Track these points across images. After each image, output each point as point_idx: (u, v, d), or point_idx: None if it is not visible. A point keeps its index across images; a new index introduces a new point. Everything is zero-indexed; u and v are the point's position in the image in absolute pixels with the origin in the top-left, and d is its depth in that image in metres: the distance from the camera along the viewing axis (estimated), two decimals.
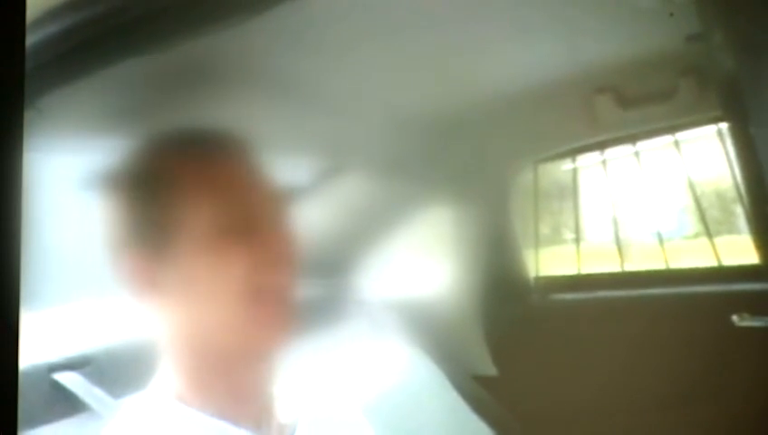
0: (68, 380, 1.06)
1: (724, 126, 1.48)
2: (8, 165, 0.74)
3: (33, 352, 1.04)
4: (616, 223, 1.71)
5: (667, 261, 1.65)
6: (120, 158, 0.92)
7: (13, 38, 0.74)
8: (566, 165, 1.69)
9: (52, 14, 0.84)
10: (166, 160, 0.92)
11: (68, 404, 1.04)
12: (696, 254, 1.66)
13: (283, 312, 0.92)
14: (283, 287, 0.92)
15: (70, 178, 0.91)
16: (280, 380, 0.94)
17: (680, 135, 1.60)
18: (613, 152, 1.65)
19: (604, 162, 1.67)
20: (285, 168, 1.38)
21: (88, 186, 0.92)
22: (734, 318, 1.39)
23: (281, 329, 0.92)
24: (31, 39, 0.78)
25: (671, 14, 1.17)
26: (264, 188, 0.95)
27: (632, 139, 1.62)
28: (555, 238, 1.75)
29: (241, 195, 0.91)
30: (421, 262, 1.59)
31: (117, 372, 1.05)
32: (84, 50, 0.89)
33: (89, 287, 0.96)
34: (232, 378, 0.89)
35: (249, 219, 0.90)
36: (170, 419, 0.86)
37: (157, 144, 0.94)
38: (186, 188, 0.90)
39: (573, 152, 1.66)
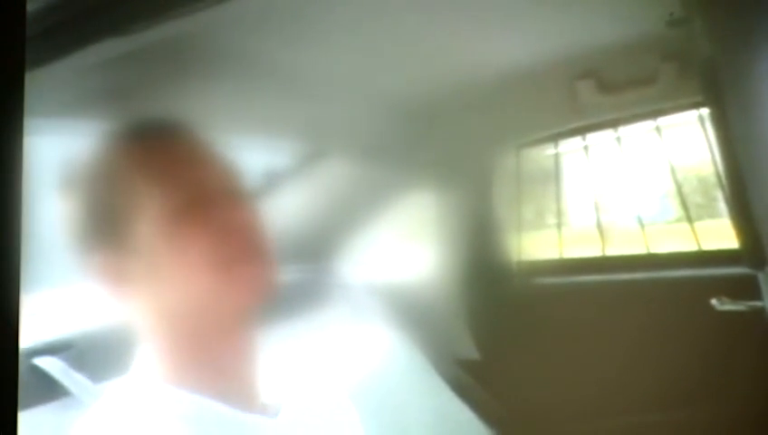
0: (48, 364, 1.06)
1: (704, 111, 1.48)
2: (8, 165, 0.74)
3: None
4: (598, 208, 1.72)
5: (648, 245, 1.66)
6: (78, 148, 0.91)
7: (13, 37, 0.74)
8: (549, 150, 1.69)
9: None
10: (114, 149, 0.92)
11: (48, 389, 1.03)
12: (677, 238, 1.67)
13: (257, 278, 0.91)
14: (253, 252, 0.91)
15: (49, 161, 0.90)
16: (263, 359, 0.94)
17: (662, 120, 1.60)
18: (595, 137, 1.66)
19: (586, 147, 1.67)
20: (267, 151, 1.38)
21: (58, 175, 0.92)
22: (714, 302, 1.41)
23: (257, 295, 0.92)
24: None
25: (671, 14, 1.18)
26: (215, 163, 0.94)
27: (614, 124, 1.62)
28: (538, 223, 1.76)
29: (190, 172, 0.91)
30: (404, 246, 1.60)
31: (97, 356, 1.05)
32: (57, 31, 0.88)
33: (68, 272, 0.95)
34: (213, 352, 0.90)
35: (204, 192, 0.89)
36: (156, 399, 0.87)
37: (104, 134, 0.93)
38: (134, 174, 0.90)
39: (556, 137, 1.67)
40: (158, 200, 0.88)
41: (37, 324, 1.08)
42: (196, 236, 0.88)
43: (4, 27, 0.74)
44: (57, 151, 0.91)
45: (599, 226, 1.71)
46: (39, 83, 0.86)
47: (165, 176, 0.90)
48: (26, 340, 1.06)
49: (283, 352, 1.11)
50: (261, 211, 0.95)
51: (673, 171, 1.65)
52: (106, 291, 0.90)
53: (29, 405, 1.01)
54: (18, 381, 0.74)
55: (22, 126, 0.73)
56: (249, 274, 0.90)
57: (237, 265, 0.89)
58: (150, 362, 0.90)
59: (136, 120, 0.95)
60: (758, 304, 1.17)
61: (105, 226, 0.89)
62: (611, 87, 1.48)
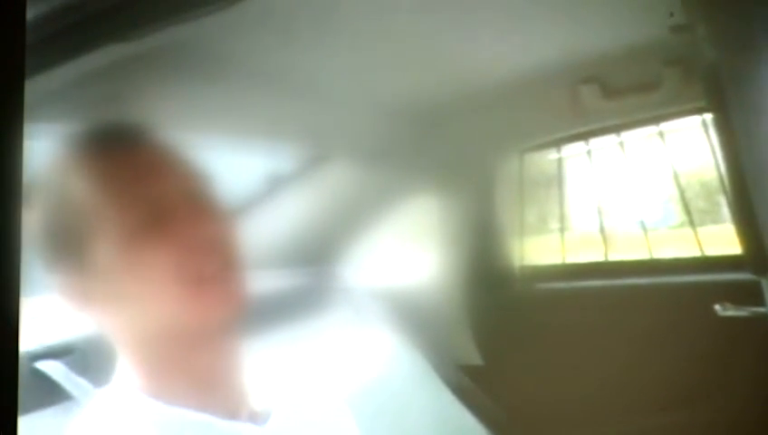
0: (50, 368, 1.06)
1: (708, 116, 1.48)
2: (8, 164, 0.74)
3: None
4: (601, 212, 1.72)
5: (651, 250, 1.66)
6: (42, 160, 0.88)
7: (13, 37, 0.74)
8: (552, 154, 1.69)
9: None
10: (70, 159, 0.89)
11: (50, 393, 1.03)
12: (680, 243, 1.66)
13: (226, 291, 0.88)
14: (222, 267, 0.88)
15: (48, 164, 0.89)
16: (250, 367, 0.93)
17: (665, 125, 1.60)
18: (598, 142, 1.65)
19: (589, 152, 1.67)
20: (271, 156, 1.38)
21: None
22: (717, 308, 1.40)
23: (227, 308, 0.88)
24: None
25: (671, 15, 1.18)
26: (174, 173, 0.89)
27: (617, 129, 1.62)
28: (541, 227, 1.76)
29: (147, 184, 0.86)
30: (407, 250, 1.59)
31: (99, 360, 1.05)
32: (60, 37, 0.88)
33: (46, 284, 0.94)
34: (190, 366, 0.87)
35: (163, 207, 0.85)
36: (135, 412, 0.85)
37: (66, 145, 0.90)
38: (92, 187, 0.86)
39: (559, 142, 1.66)
40: (117, 216, 0.84)
41: (39, 328, 1.08)
42: (160, 252, 0.84)
43: (4, 30, 0.74)
44: (56, 154, 0.89)
45: (602, 230, 1.70)
46: (37, 85, 0.86)
47: (124, 189, 0.86)
48: (28, 343, 1.06)
49: (280, 356, 1.11)
50: (229, 220, 0.91)
51: (676, 176, 1.65)
52: (72, 308, 0.88)
53: (31, 409, 1.01)
54: (18, 384, 0.74)
55: (22, 128, 0.73)
56: (218, 288, 0.87)
57: (205, 281, 0.86)
58: (129, 372, 0.88)
59: (94, 126, 0.91)
60: (761, 309, 1.16)
61: (64, 244, 0.86)
62: (615, 92, 1.48)
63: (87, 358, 1.07)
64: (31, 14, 0.75)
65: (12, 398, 0.74)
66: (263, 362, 0.95)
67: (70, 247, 0.85)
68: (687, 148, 1.64)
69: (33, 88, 0.84)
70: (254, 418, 0.90)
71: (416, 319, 1.53)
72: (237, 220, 0.94)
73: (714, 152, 1.55)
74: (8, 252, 0.74)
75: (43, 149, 0.87)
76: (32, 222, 0.84)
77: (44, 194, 0.86)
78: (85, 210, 0.85)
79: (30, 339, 1.07)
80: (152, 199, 0.85)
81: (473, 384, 1.57)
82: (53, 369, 1.05)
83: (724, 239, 1.61)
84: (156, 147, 0.90)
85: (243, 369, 0.91)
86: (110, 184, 0.86)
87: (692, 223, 1.65)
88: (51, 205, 0.87)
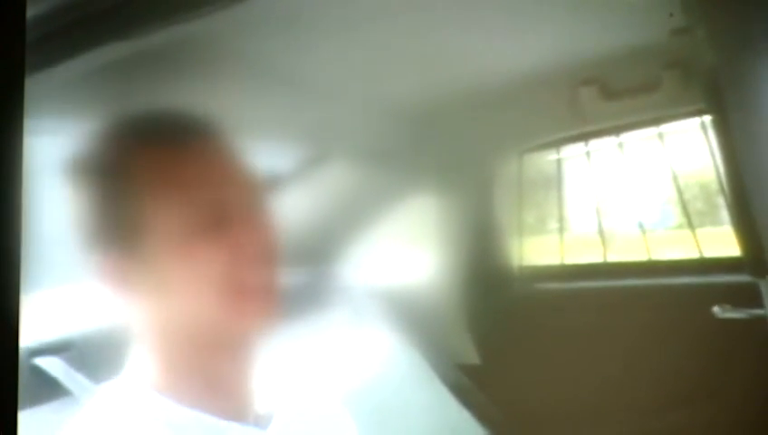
0: (49, 364, 1.06)
1: (707, 119, 1.48)
2: (8, 164, 0.74)
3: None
4: (600, 213, 1.72)
5: (649, 252, 1.66)
6: (88, 146, 0.89)
7: (13, 37, 0.74)
8: (551, 155, 1.69)
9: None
10: (132, 151, 0.89)
11: (49, 389, 1.03)
12: (679, 245, 1.67)
13: (264, 305, 0.90)
14: (265, 280, 0.90)
15: (50, 162, 0.90)
16: (258, 370, 0.93)
17: (664, 127, 1.60)
18: (598, 143, 1.66)
19: (588, 153, 1.67)
20: (269, 155, 1.38)
21: (61, 173, 0.90)
22: (716, 309, 1.40)
23: (262, 321, 0.91)
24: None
25: (671, 15, 1.18)
26: (238, 178, 0.91)
27: (617, 130, 1.62)
28: (539, 228, 1.76)
29: (214, 187, 0.88)
30: (405, 251, 1.60)
31: (98, 357, 1.05)
32: (66, 33, 0.88)
33: (70, 271, 0.95)
34: (210, 370, 0.88)
35: (224, 213, 0.87)
36: (144, 408, 0.85)
37: (123, 133, 0.90)
38: (154, 183, 0.87)
39: (558, 143, 1.67)
40: (176, 214, 0.85)
41: (38, 324, 1.08)
42: (212, 258, 0.85)
43: (4, 29, 0.74)
44: (62, 150, 0.90)
45: (600, 232, 1.71)
46: (44, 82, 0.86)
47: (188, 189, 0.87)
48: (27, 339, 1.06)
49: (280, 358, 1.11)
50: (277, 233, 0.93)
51: (675, 178, 1.65)
52: (107, 290, 0.88)
53: (29, 405, 1.01)
54: (18, 381, 0.74)
55: (22, 126, 0.73)
56: (256, 301, 0.89)
57: (246, 293, 0.87)
58: (143, 367, 0.88)
59: (163, 117, 0.92)
60: (760, 311, 1.17)
61: (116, 226, 0.87)
62: (614, 94, 1.48)
63: (86, 354, 1.08)
64: (33, 11, 0.76)
65: (12, 398, 0.74)
66: (264, 363, 0.96)
67: (125, 230, 0.86)
68: (686, 150, 1.64)
69: (37, 83, 0.85)
70: (258, 421, 0.91)
71: (414, 318, 1.53)
72: (282, 233, 0.95)
73: (712, 154, 1.55)
74: (8, 250, 0.74)
75: (103, 129, 0.89)
76: (85, 202, 0.88)
77: (108, 177, 0.88)
78: (147, 198, 0.86)
79: (28, 335, 1.08)
80: (214, 203, 0.87)
81: (471, 383, 1.57)
82: (52, 365, 1.05)
83: (722, 241, 1.61)
84: (226, 153, 0.92)
85: (252, 373, 0.92)
86: (179, 182, 0.87)
87: (690, 225, 1.65)
88: (115, 189, 0.87)
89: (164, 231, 0.86)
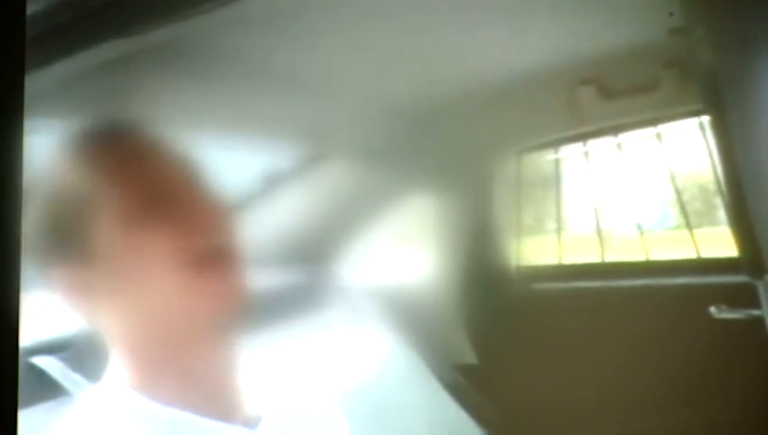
0: (46, 364, 1.05)
1: (705, 119, 1.48)
2: (8, 163, 0.74)
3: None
4: (598, 213, 1.72)
5: (647, 252, 1.66)
6: (38, 152, 0.87)
7: (13, 37, 0.74)
8: (549, 155, 1.69)
9: None
10: (67, 154, 0.88)
11: (46, 388, 1.03)
12: (677, 245, 1.67)
13: (226, 276, 0.85)
14: (222, 251, 0.86)
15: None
16: (244, 368, 0.90)
17: (663, 127, 1.60)
18: (596, 143, 1.66)
19: (587, 153, 1.67)
20: (267, 153, 1.38)
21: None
22: (713, 310, 1.40)
23: (227, 296, 0.86)
24: None
25: (671, 14, 1.18)
26: (172, 160, 0.88)
27: (615, 130, 1.62)
28: (537, 228, 1.76)
29: (145, 168, 0.85)
30: (403, 250, 1.59)
31: (95, 356, 1.05)
32: (61, 32, 0.88)
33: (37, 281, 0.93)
34: (185, 361, 0.85)
35: (162, 191, 0.84)
36: (124, 410, 0.83)
37: (60, 141, 0.88)
38: (87, 178, 0.85)
39: (556, 143, 1.67)
40: (112, 201, 0.83)
41: (35, 323, 1.07)
42: (159, 232, 0.82)
43: (4, 29, 0.74)
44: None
45: (598, 231, 1.71)
46: (50, 81, 0.86)
47: (117, 174, 0.84)
48: (24, 339, 1.06)
49: (273, 356, 1.10)
50: (227, 208, 0.90)
51: (673, 178, 1.65)
52: (70, 304, 0.86)
53: (26, 404, 1.00)
54: (18, 381, 0.74)
55: (22, 126, 0.73)
56: (220, 274, 0.85)
57: (206, 266, 0.83)
58: (121, 370, 0.86)
59: (91, 120, 0.91)
60: (756, 312, 1.17)
61: (63, 237, 0.84)
62: (612, 93, 1.48)
63: (83, 354, 1.07)
64: (31, 9, 0.75)
65: (12, 398, 0.74)
66: (256, 362, 0.95)
67: (68, 240, 0.84)
68: (684, 150, 1.64)
69: (32, 83, 0.84)
70: (247, 421, 0.88)
71: (411, 318, 1.53)
72: (234, 209, 0.93)
73: (711, 154, 1.55)
74: (8, 250, 0.74)
75: (41, 143, 0.86)
76: (29, 218, 0.82)
77: (42, 189, 0.85)
78: (82, 200, 0.84)
79: (26, 334, 1.07)
80: (148, 182, 0.84)
81: (468, 383, 1.57)
82: (49, 364, 1.05)
83: (720, 241, 1.61)
84: (150, 136, 0.89)
85: (238, 370, 0.89)
86: (105, 170, 0.85)
87: (688, 225, 1.65)
88: (48, 199, 0.85)
89: (106, 220, 0.83)
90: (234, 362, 0.89)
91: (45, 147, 0.87)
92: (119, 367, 0.87)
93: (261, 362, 1.00)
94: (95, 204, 0.84)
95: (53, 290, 0.86)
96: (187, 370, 0.85)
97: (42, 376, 1.05)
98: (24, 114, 0.74)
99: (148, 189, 0.84)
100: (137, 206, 0.83)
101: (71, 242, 0.84)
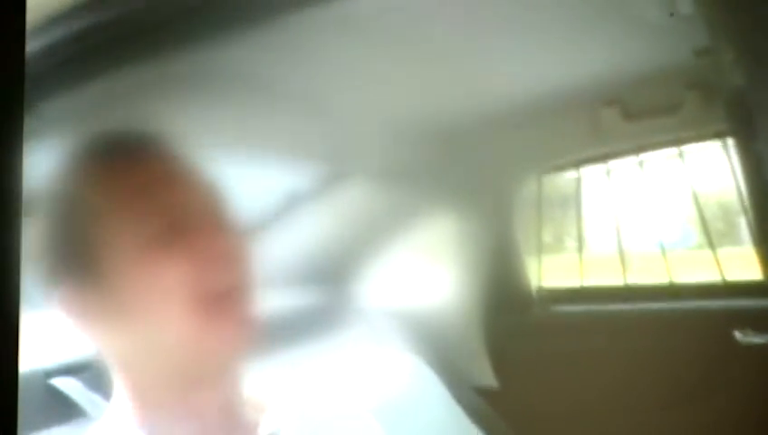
0: (65, 385, 1.05)
1: (728, 140, 1.47)
2: (8, 165, 0.73)
3: (30, 357, 1.03)
4: (619, 233, 1.71)
5: (670, 272, 1.65)
6: (45, 165, 0.82)
7: (12, 39, 0.73)
8: (570, 175, 1.68)
9: (54, 20, 0.83)
10: (79, 171, 0.84)
11: (65, 410, 1.03)
12: (699, 265, 1.65)
13: (240, 317, 0.82)
14: (237, 289, 0.82)
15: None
16: (252, 396, 0.86)
17: (685, 148, 1.59)
18: (618, 163, 1.65)
19: (608, 172, 1.66)
20: (289, 174, 1.38)
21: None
22: (738, 335, 1.39)
23: (241, 337, 0.82)
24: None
25: (671, 14, 1.16)
26: (195, 184, 0.83)
27: (638, 150, 1.61)
28: (558, 248, 1.75)
29: (166, 194, 0.81)
30: (423, 271, 1.59)
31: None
32: (84, 57, 0.88)
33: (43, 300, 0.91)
34: (193, 400, 0.81)
35: (182, 218, 0.80)
36: None
37: (72, 155, 0.84)
38: (102, 197, 0.81)
39: (578, 163, 1.66)
40: (129, 226, 0.79)
41: (55, 345, 1.07)
42: (174, 263, 0.78)
43: (4, 30, 0.73)
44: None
45: (620, 251, 1.69)
46: (78, 104, 0.85)
47: (137, 199, 0.80)
48: (44, 360, 1.06)
49: (292, 379, 1.09)
50: (245, 236, 0.86)
51: (695, 197, 1.64)
52: (73, 325, 0.82)
53: (46, 426, 1.00)
54: (18, 386, 0.72)
55: (21, 130, 0.72)
56: (232, 313, 0.81)
57: (220, 299, 0.80)
58: (125, 405, 0.82)
59: (106, 135, 0.86)
60: None
61: (70, 254, 0.81)
62: (635, 115, 1.47)
63: (103, 375, 1.07)
64: (51, 35, 0.75)
65: (12, 396, 0.73)
66: (274, 384, 0.93)
67: (78, 258, 0.81)
68: (706, 169, 1.63)
69: (49, 100, 0.83)
70: None
71: (432, 340, 1.52)
72: (253, 237, 0.91)
73: (734, 174, 1.54)
74: (8, 256, 0.72)
75: (55, 158, 0.84)
76: (36, 232, 0.80)
77: (53, 204, 0.83)
78: (98, 217, 0.81)
79: (45, 355, 1.07)
80: (167, 210, 0.80)
81: (488, 407, 1.55)
82: (69, 386, 1.05)
83: (743, 261, 1.59)
84: (171, 158, 0.85)
85: (245, 409, 0.85)
86: (124, 193, 0.81)
87: (711, 244, 1.63)
88: (60, 214, 0.83)
89: (121, 245, 0.79)
90: (240, 399, 0.85)
91: (61, 160, 0.85)
92: (121, 400, 0.82)
93: (279, 384, 0.99)
94: (110, 223, 0.80)
95: (58, 308, 0.81)
96: (194, 407, 0.81)
97: (61, 397, 1.04)
98: (24, 121, 0.73)
99: (167, 215, 0.80)
100: (154, 233, 0.79)
101: (80, 261, 0.81)
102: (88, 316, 0.81)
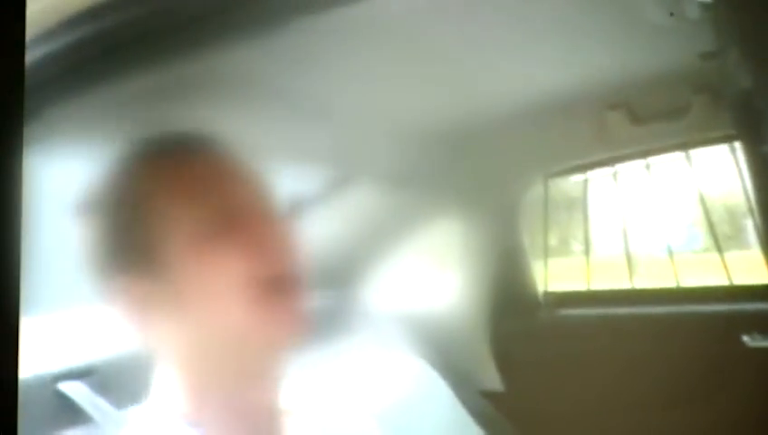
0: (72, 389, 1.05)
1: (736, 144, 1.47)
2: (8, 170, 0.73)
3: (37, 361, 1.03)
4: (626, 237, 1.70)
5: (676, 275, 1.64)
6: (99, 176, 0.85)
7: (12, 41, 0.73)
8: (577, 178, 1.68)
9: (62, 26, 0.83)
10: (136, 170, 0.86)
11: (72, 414, 1.03)
12: (705, 268, 1.65)
13: (295, 305, 0.83)
14: (291, 276, 0.83)
15: (68, 186, 0.88)
16: (287, 393, 0.90)
17: (692, 151, 1.59)
18: (624, 166, 1.64)
19: (615, 175, 1.66)
20: (295, 178, 1.38)
21: (74, 204, 0.87)
22: (746, 338, 1.38)
23: (296, 326, 0.84)
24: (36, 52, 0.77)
25: (671, 14, 1.16)
26: (247, 181, 0.87)
27: (644, 154, 1.61)
28: (564, 252, 1.75)
29: (222, 190, 0.84)
30: (429, 274, 1.59)
31: (122, 382, 1.04)
32: (95, 62, 0.89)
33: (93, 294, 0.93)
34: (243, 393, 0.83)
35: (237, 213, 0.82)
36: None
37: (128, 156, 0.87)
38: (160, 196, 0.83)
39: (584, 167, 1.66)
40: (187, 221, 0.82)
41: (62, 349, 1.07)
42: (231, 257, 0.80)
43: (3, 30, 0.73)
44: (78, 174, 0.88)
45: (626, 254, 1.69)
46: (62, 106, 0.86)
47: (194, 194, 0.83)
48: (51, 364, 1.06)
49: (301, 381, 1.09)
50: (297, 233, 0.89)
51: (701, 200, 1.64)
52: (128, 318, 0.84)
53: (53, 430, 1.00)
54: (18, 388, 0.72)
55: (22, 132, 0.72)
56: (286, 302, 0.83)
57: (276, 292, 0.81)
58: (172, 396, 0.83)
59: (160, 135, 0.89)
60: None
61: (130, 248, 0.83)
62: (643, 118, 1.47)
63: (109, 380, 1.07)
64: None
65: (12, 396, 0.73)
66: (290, 386, 0.93)
67: (135, 251, 0.83)
68: (712, 172, 1.63)
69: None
70: None
71: (438, 343, 1.52)
72: (300, 233, 0.92)
73: (740, 177, 1.54)
74: (8, 256, 0.73)
75: (109, 156, 0.87)
76: (93, 228, 0.84)
77: (112, 200, 0.85)
78: (157, 213, 0.83)
79: (53, 359, 1.07)
80: (225, 203, 0.83)
81: (493, 409, 1.55)
82: (76, 390, 1.05)
83: (748, 264, 1.59)
84: (222, 155, 0.88)
85: (280, 398, 0.87)
86: (182, 187, 0.84)
87: (717, 247, 1.63)
88: (121, 208, 0.85)
89: (179, 239, 0.82)
90: (280, 394, 0.87)
91: (117, 159, 0.87)
92: (169, 393, 0.83)
93: (290, 386, 0.99)
94: (169, 218, 0.83)
95: (113, 302, 0.83)
96: (243, 403, 0.83)
97: (68, 402, 1.04)
98: (24, 121, 0.73)
99: (222, 208, 0.83)
100: (210, 224, 0.82)
101: (137, 253, 0.83)
102: (145, 307, 0.82)
